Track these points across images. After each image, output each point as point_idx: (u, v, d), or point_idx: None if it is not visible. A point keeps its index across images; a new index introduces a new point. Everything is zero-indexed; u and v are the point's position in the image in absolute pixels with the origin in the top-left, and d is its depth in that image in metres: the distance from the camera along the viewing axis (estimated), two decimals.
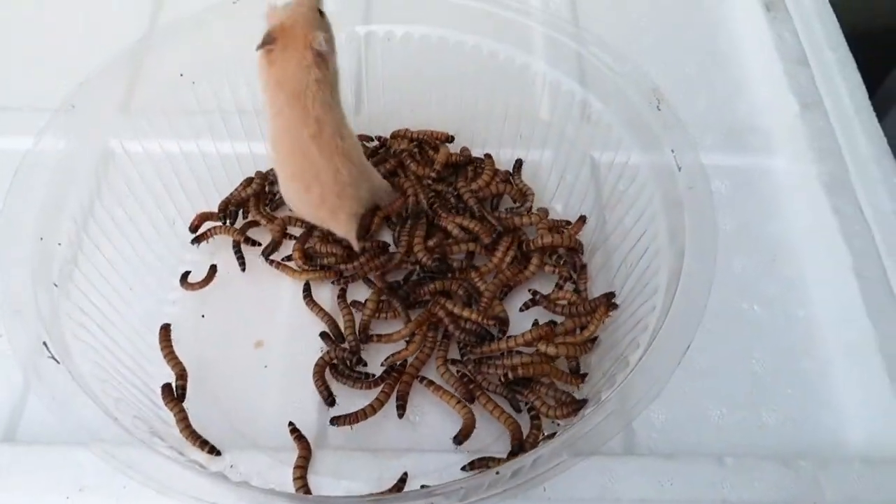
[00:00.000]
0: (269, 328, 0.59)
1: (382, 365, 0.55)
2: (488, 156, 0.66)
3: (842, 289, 0.61)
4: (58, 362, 0.40)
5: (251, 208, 0.63)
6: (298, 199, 0.58)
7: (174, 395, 0.52)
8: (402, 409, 0.53)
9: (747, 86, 0.76)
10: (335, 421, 0.53)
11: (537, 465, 0.39)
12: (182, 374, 0.53)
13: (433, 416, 0.55)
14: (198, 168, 0.63)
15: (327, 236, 0.61)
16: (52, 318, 0.44)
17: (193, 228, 0.62)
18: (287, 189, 0.58)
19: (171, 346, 0.54)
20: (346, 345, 0.56)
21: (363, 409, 0.53)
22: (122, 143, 0.57)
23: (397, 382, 0.54)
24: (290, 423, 0.53)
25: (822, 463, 0.52)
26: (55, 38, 0.77)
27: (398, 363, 0.56)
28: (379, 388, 0.54)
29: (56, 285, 0.47)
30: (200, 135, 0.63)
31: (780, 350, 0.60)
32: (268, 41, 0.49)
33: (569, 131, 0.64)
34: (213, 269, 0.60)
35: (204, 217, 0.63)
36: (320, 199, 0.56)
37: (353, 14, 0.64)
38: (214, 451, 0.50)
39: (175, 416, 0.50)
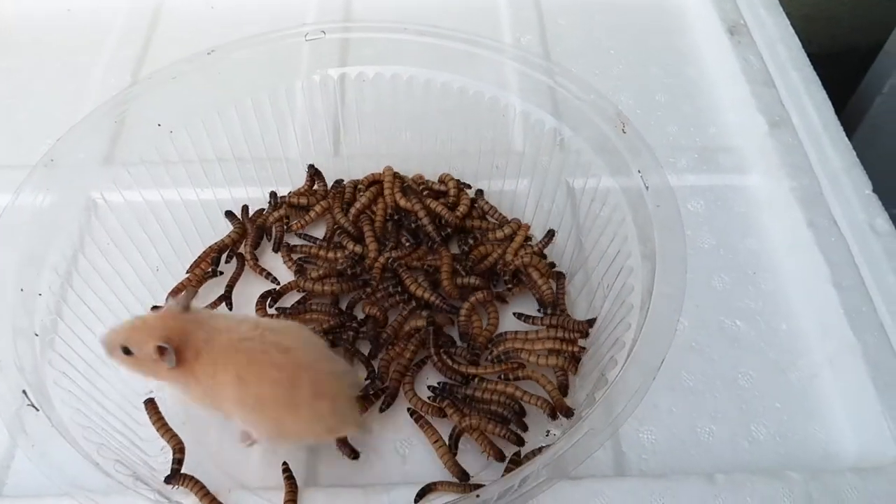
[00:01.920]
0: None
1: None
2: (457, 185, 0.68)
3: (822, 300, 0.61)
4: (37, 409, 0.40)
5: (250, 264, 0.64)
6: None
7: (189, 476, 0.50)
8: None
9: (716, 109, 0.78)
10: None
11: (523, 485, 0.39)
12: (180, 448, 0.51)
13: (421, 448, 0.55)
14: (180, 216, 0.64)
15: (322, 279, 0.62)
16: (32, 367, 0.44)
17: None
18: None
19: (163, 419, 0.52)
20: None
21: None
22: (102, 195, 0.58)
23: None
24: (284, 464, 0.53)
25: (814, 475, 0.52)
26: (36, 97, 0.79)
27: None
28: None
29: (37, 335, 0.47)
30: (181, 183, 0.64)
31: (765, 364, 0.60)
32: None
33: (543, 160, 0.65)
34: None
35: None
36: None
37: (329, 58, 0.66)
38: None
39: (196, 493, 0.49)
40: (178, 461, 0.51)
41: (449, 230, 0.64)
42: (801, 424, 0.57)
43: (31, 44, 0.85)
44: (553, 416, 0.54)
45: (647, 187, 0.50)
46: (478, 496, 0.37)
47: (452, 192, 0.66)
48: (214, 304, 0.62)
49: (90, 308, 0.55)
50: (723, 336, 0.61)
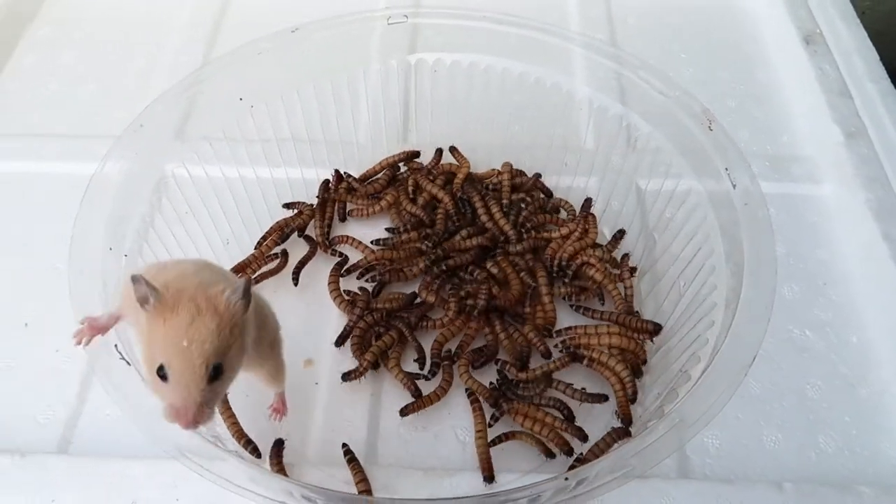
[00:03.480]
0: (317, 347, 0.60)
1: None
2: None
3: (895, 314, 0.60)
4: (129, 364, 0.41)
5: (319, 242, 0.65)
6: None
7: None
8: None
9: (789, 117, 0.77)
10: (404, 411, 0.54)
11: (601, 475, 0.39)
12: (249, 443, 0.51)
13: None
14: (253, 192, 0.65)
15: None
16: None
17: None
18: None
19: (233, 414, 0.52)
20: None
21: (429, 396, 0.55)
22: (184, 165, 0.58)
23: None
24: (345, 445, 0.53)
25: (886, 490, 0.51)
26: (118, 71, 0.81)
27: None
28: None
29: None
30: (256, 160, 0.64)
31: (835, 376, 0.59)
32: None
33: (614, 159, 0.65)
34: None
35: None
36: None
37: (402, 42, 0.66)
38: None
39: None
40: (252, 449, 0.51)
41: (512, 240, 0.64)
42: (871, 439, 0.56)
43: (102, 19, 0.86)
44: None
45: (734, 186, 0.49)
46: (566, 479, 0.37)
47: (505, 191, 0.66)
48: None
49: None
50: (791, 346, 0.60)
